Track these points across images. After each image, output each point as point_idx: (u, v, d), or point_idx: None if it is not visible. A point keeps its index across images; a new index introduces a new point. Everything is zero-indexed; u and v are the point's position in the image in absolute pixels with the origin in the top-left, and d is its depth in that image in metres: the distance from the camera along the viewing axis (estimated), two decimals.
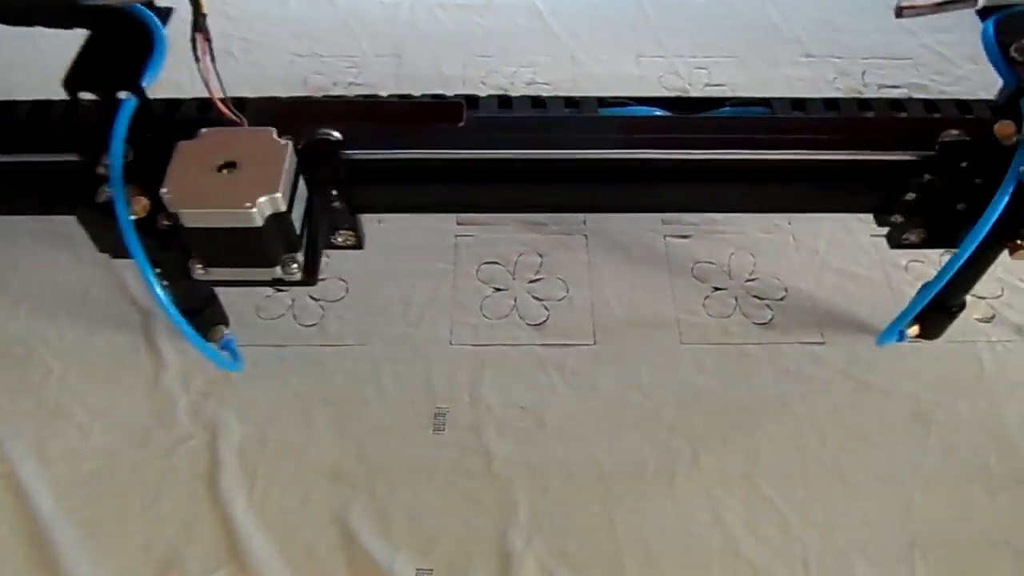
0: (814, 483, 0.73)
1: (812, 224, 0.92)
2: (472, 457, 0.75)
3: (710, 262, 0.89)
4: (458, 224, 0.92)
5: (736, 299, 0.86)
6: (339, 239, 0.71)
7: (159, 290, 0.61)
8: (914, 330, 0.78)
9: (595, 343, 0.83)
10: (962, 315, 0.78)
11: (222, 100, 0.60)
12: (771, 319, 0.84)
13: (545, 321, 0.84)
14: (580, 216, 0.92)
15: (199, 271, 0.60)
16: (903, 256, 0.88)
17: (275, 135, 0.58)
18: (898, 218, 0.70)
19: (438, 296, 0.86)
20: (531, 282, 0.87)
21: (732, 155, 0.66)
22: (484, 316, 0.85)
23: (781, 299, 0.86)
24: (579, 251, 0.90)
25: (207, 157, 0.55)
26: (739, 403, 0.78)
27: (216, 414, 0.77)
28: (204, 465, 0.74)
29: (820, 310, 0.85)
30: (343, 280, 0.87)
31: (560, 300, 0.86)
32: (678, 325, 0.84)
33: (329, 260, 0.89)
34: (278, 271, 0.60)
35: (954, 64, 1.09)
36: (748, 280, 0.88)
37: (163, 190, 0.54)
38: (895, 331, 0.76)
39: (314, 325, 0.84)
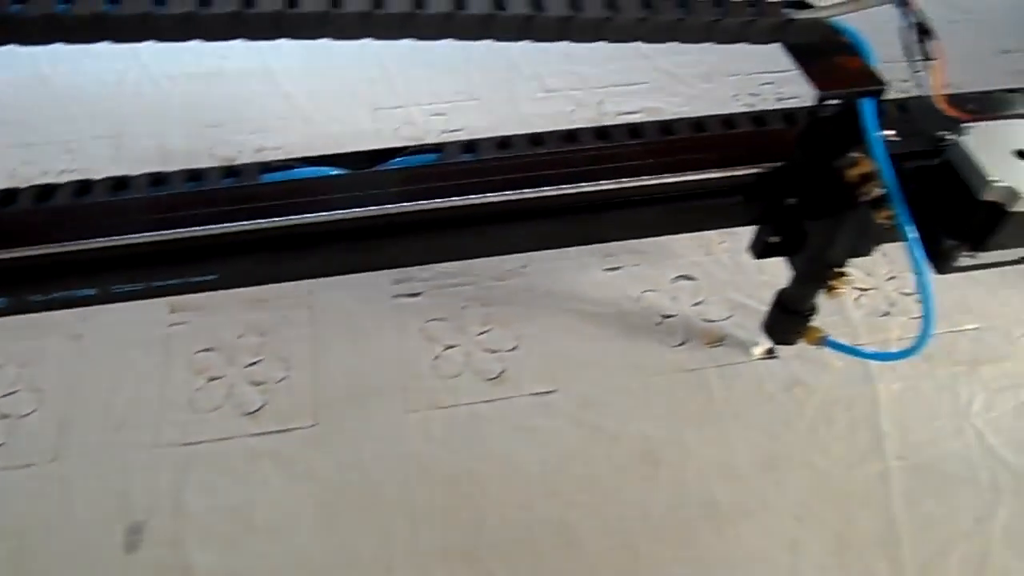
0: (540, 544, 0.70)
1: (549, 264, 0.89)
2: (171, 574, 0.68)
3: (441, 318, 0.85)
4: (171, 312, 0.85)
5: (467, 355, 0.82)
6: None
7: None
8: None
9: (315, 424, 0.77)
10: (691, 342, 0.81)
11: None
12: (501, 372, 0.81)
13: (262, 407, 0.78)
14: (305, 286, 0.87)
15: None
16: (636, 287, 0.87)
17: None
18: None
19: (143, 395, 0.79)
20: (249, 366, 0.81)
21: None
22: (193, 411, 0.78)
23: (512, 349, 0.82)
24: (302, 325, 0.84)
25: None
26: (465, 469, 0.74)
27: None
28: None
29: (553, 355, 0.82)
30: (38, 389, 0.79)
31: (280, 381, 0.80)
32: (404, 392, 0.79)
33: (22, 371, 0.81)
34: None
35: (688, 84, 1.10)
36: (480, 334, 0.84)
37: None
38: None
39: (1, 445, 0.76)
